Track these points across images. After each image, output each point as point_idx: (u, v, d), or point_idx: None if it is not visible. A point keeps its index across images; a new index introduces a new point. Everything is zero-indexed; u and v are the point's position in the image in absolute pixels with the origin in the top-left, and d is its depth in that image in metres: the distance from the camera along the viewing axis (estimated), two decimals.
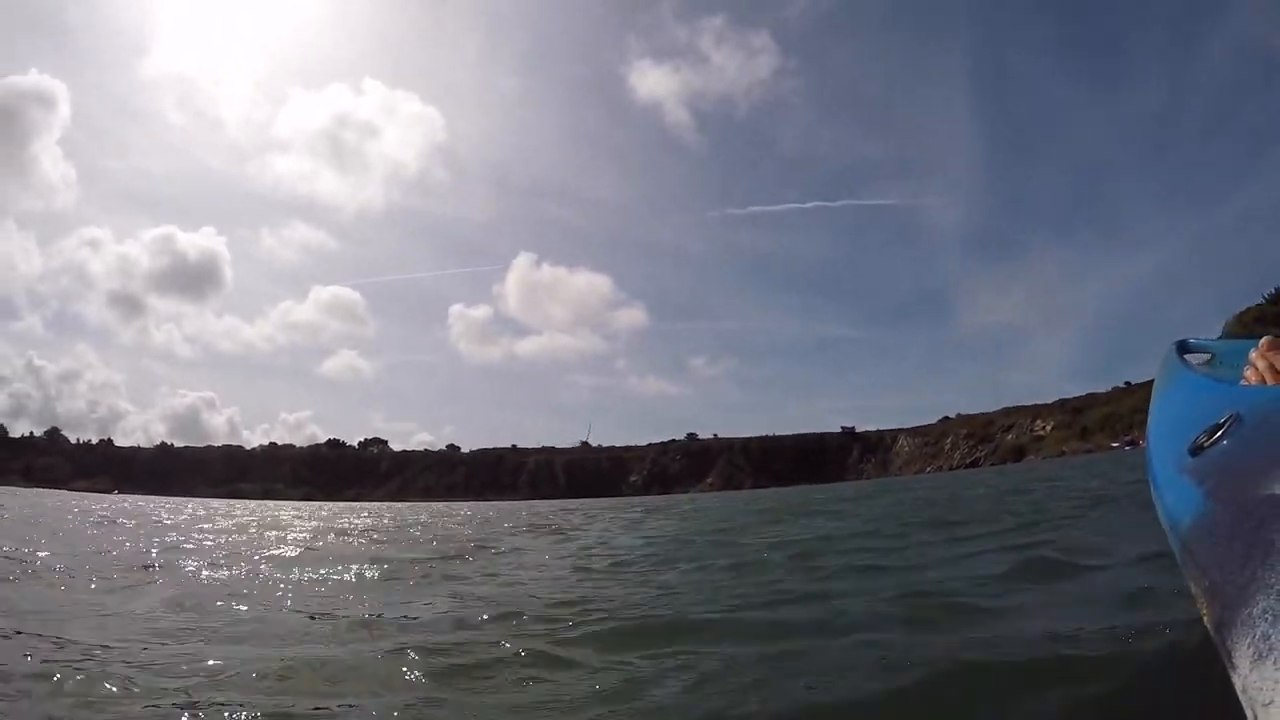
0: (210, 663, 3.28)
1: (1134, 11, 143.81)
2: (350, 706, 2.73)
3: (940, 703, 2.48)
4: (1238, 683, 0.64)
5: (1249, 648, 0.63)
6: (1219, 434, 1.01)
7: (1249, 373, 1.34)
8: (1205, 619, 0.76)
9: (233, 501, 55.58)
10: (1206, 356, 1.87)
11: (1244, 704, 0.62)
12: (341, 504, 60.59)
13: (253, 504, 46.62)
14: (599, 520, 18.85)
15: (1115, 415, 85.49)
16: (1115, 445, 70.68)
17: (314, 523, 19.57)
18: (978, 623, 3.61)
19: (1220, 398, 1.19)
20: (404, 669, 3.20)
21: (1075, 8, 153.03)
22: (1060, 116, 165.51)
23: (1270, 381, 1.27)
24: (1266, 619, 0.63)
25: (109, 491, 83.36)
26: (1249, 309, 66.29)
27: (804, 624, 3.83)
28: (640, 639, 3.69)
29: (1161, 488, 1.12)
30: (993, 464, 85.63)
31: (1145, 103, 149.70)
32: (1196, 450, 1.04)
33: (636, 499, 60.49)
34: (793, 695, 2.69)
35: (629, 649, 3.49)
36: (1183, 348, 1.88)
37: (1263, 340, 1.35)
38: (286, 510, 32.17)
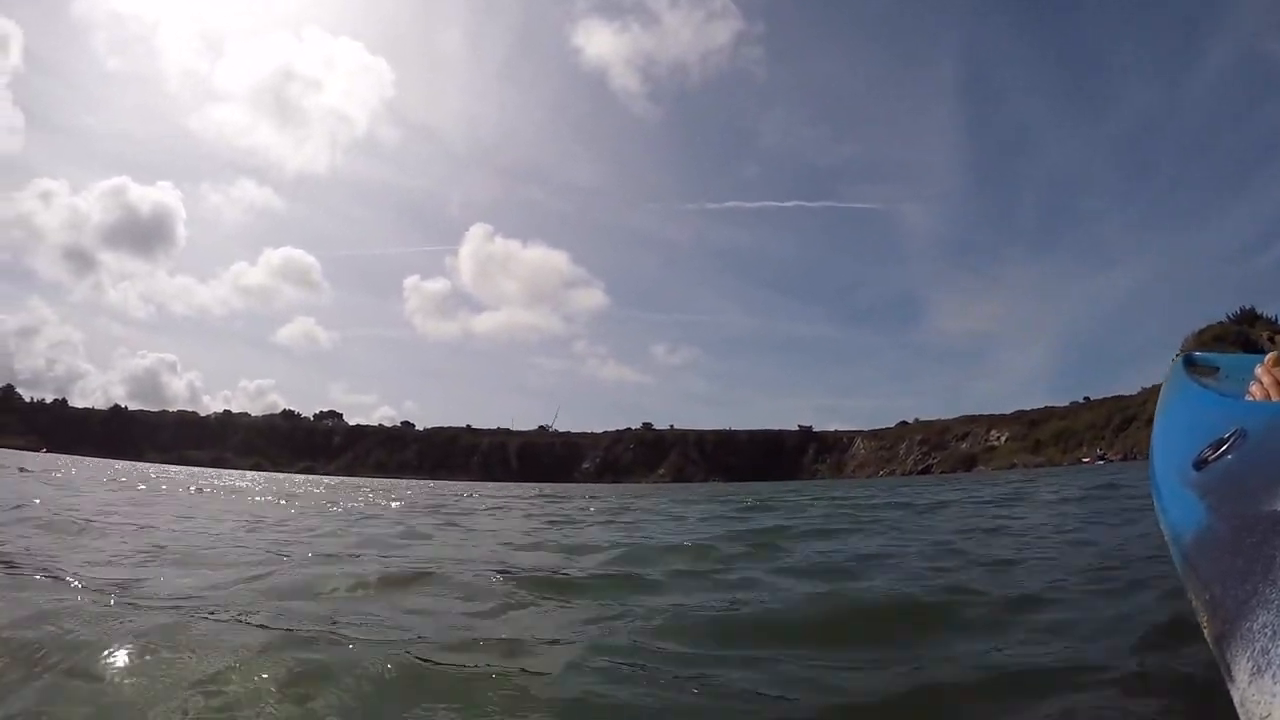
0: None
1: (1124, 29, 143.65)
2: None
3: None
4: (1236, 696, 0.65)
5: (1248, 661, 0.64)
6: (1224, 448, 1.03)
7: (1254, 388, 1.36)
8: (1205, 631, 0.77)
9: (139, 465, 54.21)
10: (1213, 370, 1.85)
11: (1241, 717, 0.63)
12: (280, 475, 59.34)
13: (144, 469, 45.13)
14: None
15: (1070, 430, 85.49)
16: (1086, 460, 69.12)
17: None
18: None
19: (1226, 412, 1.21)
20: None
21: (1064, 22, 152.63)
22: (1044, 131, 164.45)
23: (1275, 397, 1.29)
24: (1266, 634, 0.64)
25: (37, 450, 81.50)
26: (1209, 326, 66.07)
27: None
28: None
29: (1165, 500, 1.14)
30: (944, 471, 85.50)
31: (1131, 121, 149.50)
32: (1201, 464, 1.05)
33: (581, 485, 59.59)
34: None
35: None
36: (1189, 361, 1.87)
37: (1269, 356, 1.38)
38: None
